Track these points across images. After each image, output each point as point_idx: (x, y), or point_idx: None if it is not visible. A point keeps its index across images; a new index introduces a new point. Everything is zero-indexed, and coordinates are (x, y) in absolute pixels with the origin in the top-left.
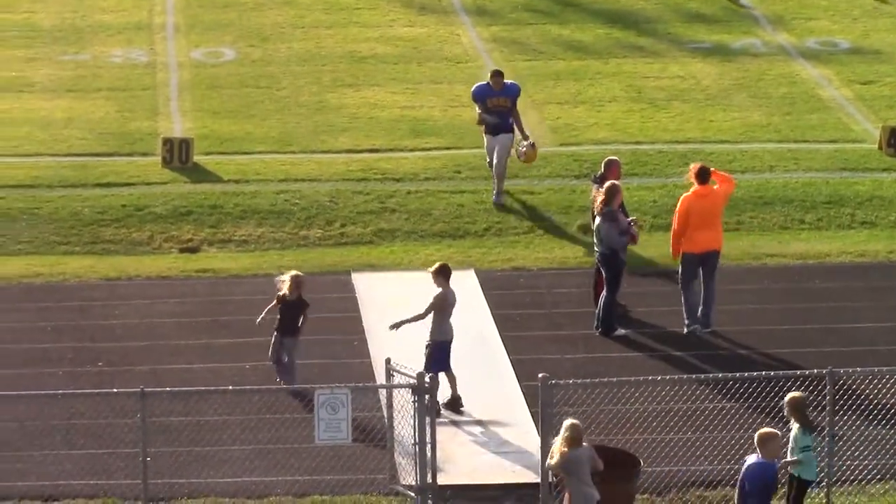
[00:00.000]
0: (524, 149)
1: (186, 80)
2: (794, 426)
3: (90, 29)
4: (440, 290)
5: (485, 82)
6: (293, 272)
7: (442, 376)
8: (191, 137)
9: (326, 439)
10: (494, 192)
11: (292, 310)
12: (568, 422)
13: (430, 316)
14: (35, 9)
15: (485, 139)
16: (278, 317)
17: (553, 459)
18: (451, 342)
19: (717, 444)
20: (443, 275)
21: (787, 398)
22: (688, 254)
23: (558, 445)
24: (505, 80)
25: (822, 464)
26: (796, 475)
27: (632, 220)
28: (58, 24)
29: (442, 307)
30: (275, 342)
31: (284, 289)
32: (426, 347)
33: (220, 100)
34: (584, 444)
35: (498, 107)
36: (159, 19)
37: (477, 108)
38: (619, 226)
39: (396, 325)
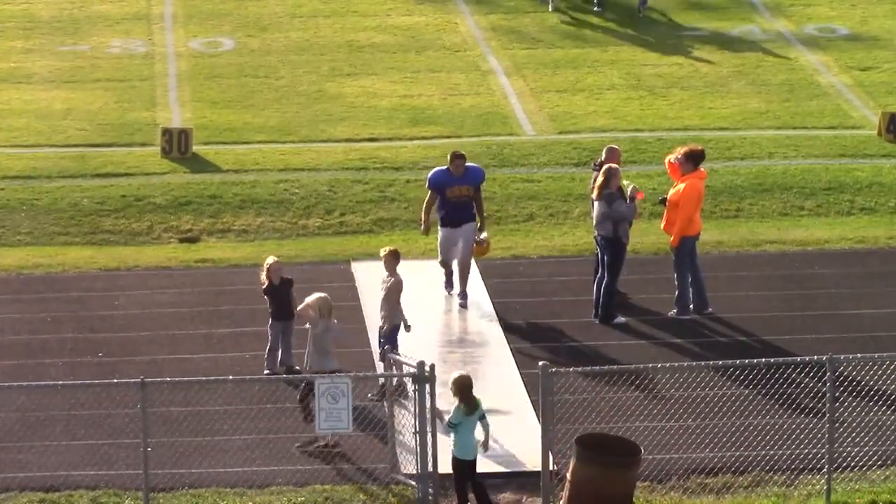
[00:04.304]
0: (477, 243)
1: (185, 70)
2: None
3: (88, 20)
4: (396, 276)
5: (443, 168)
6: (269, 260)
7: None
8: (190, 127)
9: (327, 429)
10: (458, 291)
11: (281, 293)
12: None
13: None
14: None
15: (440, 232)
16: (271, 305)
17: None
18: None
19: (717, 432)
20: (396, 259)
21: (454, 377)
22: (687, 237)
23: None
24: (467, 164)
25: (823, 450)
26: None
27: (633, 187)
28: (56, 15)
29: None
30: (274, 330)
31: (263, 278)
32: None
33: (218, 90)
34: (334, 320)
35: (459, 197)
36: (157, 9)
37: (427, 197)
38: (623, 203)
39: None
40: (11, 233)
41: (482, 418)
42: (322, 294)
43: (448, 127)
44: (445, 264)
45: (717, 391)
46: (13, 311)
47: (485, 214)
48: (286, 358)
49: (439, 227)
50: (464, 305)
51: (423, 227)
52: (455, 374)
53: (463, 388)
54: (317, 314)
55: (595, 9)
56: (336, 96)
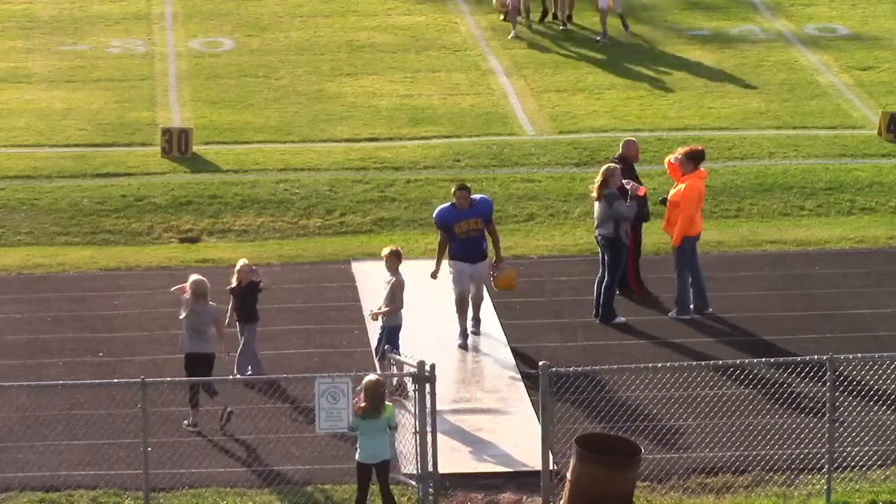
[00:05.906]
0: (498, 272)
1: (185, 70)
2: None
3: (88, 19)
4: (398, 276)
5: (447, 204)
6: (240, 262)
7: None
8: (190, 127)
9: (327, 428)
10: (470, 316)
11: (246, 296)
12: (195, 277)
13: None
14: None
15: (451, 266)
16: (236, 307)
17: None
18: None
19: (717, 431)
20: (398, 259)
21: (366, 379)
22: (688, 237)
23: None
24: (473, 196)
25: (823, 450)
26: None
27: (632, 185)
28: (56, 15)
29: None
30: (239, 330)
31: (233, 282)
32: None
33: (218, 89)
34: (211, 303)
35: (469, 232)
36: (157, 9)
37: (439, 238)
38: (623, 203)
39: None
40: (11, 233)
41: (392, 426)
42: (198, 277)
43: (448, 127)
44: (462, 297)
45: (717, 391)
46: (13, 311)
47: (501, 248)
48: (256, 367)
49: (450, 260)
50: (476, 332)
51: (434, 268)
52: (368, 377)
53: (370, 392)
54: (189, 296)
55: (627, 31)
56: (336, 96)
